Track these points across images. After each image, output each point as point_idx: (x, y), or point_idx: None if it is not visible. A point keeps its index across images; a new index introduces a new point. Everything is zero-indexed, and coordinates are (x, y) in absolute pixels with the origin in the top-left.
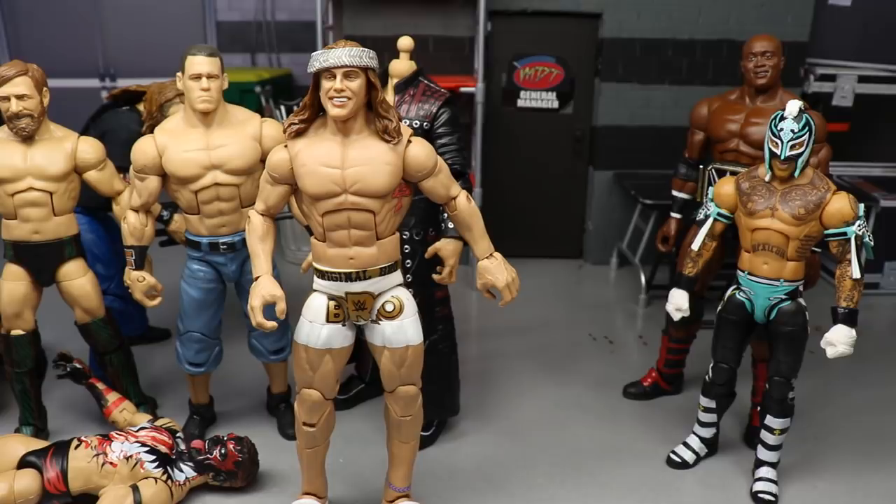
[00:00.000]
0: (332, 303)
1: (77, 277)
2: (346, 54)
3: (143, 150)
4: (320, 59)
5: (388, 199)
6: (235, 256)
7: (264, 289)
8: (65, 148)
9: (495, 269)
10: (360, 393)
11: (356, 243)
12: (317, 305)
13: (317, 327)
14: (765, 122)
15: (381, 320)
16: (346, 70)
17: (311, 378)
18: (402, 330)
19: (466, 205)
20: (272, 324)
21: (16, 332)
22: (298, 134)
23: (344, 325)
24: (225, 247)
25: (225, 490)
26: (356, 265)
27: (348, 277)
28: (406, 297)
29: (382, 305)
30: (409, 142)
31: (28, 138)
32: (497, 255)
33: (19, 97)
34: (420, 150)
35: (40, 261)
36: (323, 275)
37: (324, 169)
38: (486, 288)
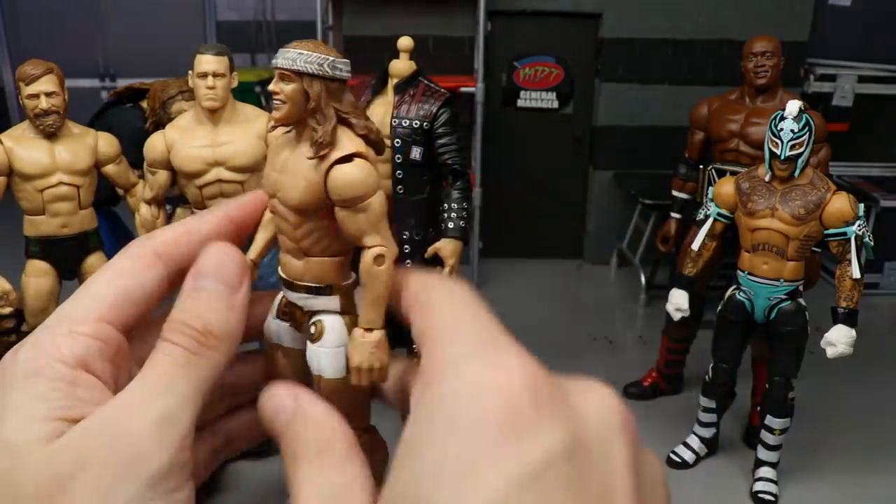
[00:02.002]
0: (283, 300)
1: None
2: (282, 55)
3: (154, 144)
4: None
5: (310, 217)
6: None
7: None
8: (87, 143)
9: (357, 346)
10: None
11: (287, 251)
12: (276, 299)
13: (269, 319)
14: (765, 122)
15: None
16: (280, 72)
17: (276, 371)
18: (315, 357)
19: (368, 264)
20: None
21: None
22: (288, 131)
23: (291, 327)
24: None
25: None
26: (286, 273)
27: (283, 282)
28: (333, 326)
29: (308, 326)
30: (343, 161)
31: (51, 135)
32: (376, 333)
33: (48, 94)
34: (345, 174)
35: (68, 254)
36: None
37: (269, 169)
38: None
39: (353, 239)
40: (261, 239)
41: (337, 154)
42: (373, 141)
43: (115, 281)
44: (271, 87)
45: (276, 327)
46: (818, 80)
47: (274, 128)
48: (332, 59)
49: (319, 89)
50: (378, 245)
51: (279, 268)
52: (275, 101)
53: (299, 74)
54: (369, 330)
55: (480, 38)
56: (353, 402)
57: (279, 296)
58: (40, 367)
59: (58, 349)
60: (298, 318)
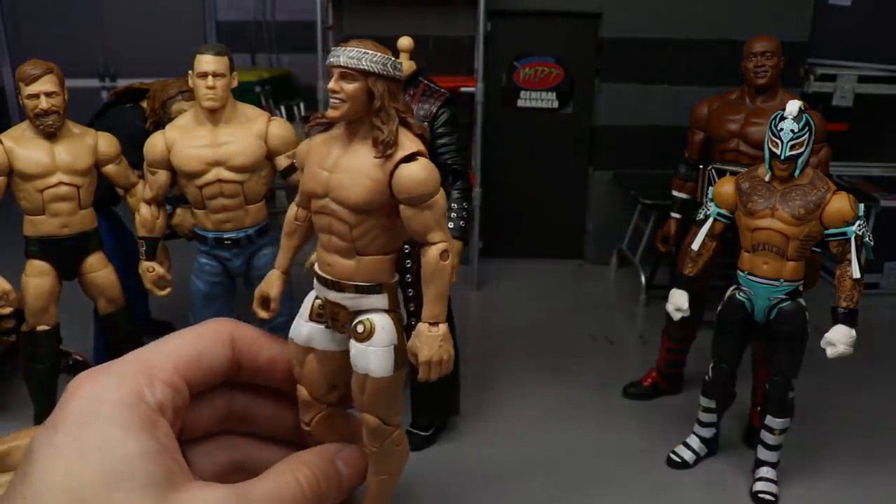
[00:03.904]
0: (318, 302)
1: (101, 269)
2: (345, 54)
3: (154, 144)
4: (331, 55)
5: (370, 216)
6: (241, 252)
7: (263, 283)
8: (87, 143)
9: (425, 340)
10: None
11: (335, 251)
12: (306, 301)
13: (300, 322)
14: (765, 122)
15: (352, 338)
16: (342, 70)
17: (300, 374)
18: (363, 356)
19: (434, 259)
20: (263, 313)
21: (42, 327)
22: (324, 128)
23: (328, 328)
24: (229, 242)
25: None
26: (332, 273)
27: (326, 283)
28: (383, 324)
29: (355, 325)
30: (408, 160)
31: (51, 135)
32: (441, 327)
33: (48, 94)
34: (412, 173)
35: (68, 254)
36: (314, 273)
37: (316, 169)
38: (413, 353)
39: (416, 234)
40: (289, 248)
41: (401, 153)
42: (426, 141)
43: (193, 343)
44: (331, 85)
45: (308, 330)
46: (818, 80)
47: (312, 126)
48: (393, 59)
49: (384, 89)
50: (442, 241)
51: (317, 268)
52: (333, 100)
53: (364, 73)
54: (434, 324)
55: (480, 38)
56: (394, 400)
57: (311, 298)
58: (127, 402)
59: (141, 388)
60: (342, 319)
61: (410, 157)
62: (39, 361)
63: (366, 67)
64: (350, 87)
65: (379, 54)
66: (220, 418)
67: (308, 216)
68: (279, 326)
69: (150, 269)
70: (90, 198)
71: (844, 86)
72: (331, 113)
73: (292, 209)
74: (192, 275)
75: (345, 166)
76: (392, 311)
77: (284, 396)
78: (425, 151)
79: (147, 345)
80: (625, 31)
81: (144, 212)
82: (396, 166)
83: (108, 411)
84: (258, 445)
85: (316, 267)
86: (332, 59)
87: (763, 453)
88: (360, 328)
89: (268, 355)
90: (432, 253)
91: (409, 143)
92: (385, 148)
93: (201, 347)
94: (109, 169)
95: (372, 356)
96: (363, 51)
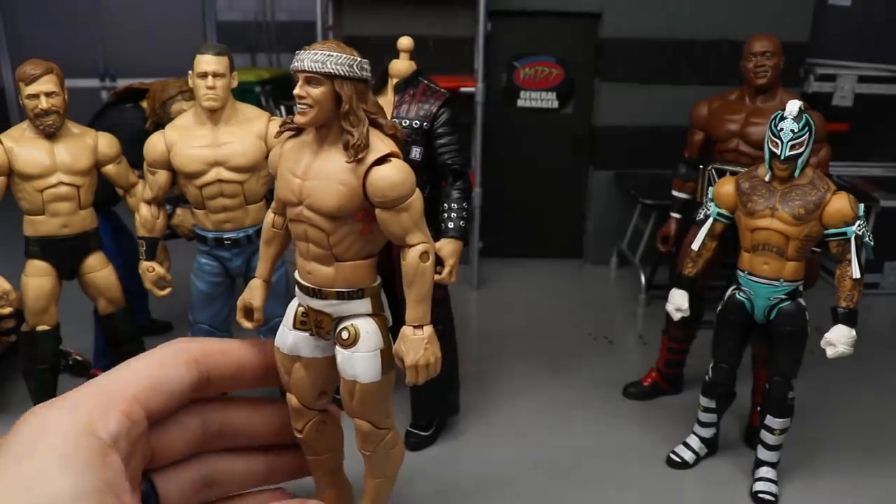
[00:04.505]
0: (301, 309)
1: (101, 269)
2: (308, 58)
3: (154, 144)
4: (295, 59)
5: (345, 222)
6: (241, 252)
7: (246, 292)
8: (87, 143)
9: (410, 343)
10: None
11: (314, 259)
12: (289, 309)
13: (285, 331)
14: (765, 122)
15: (337, 345)
16: (307, 75)
17: (287, 382)
18: (350, 362)
19: (415, 261)
20: (247, 324)
21: (42, 327)
22: (295, 133)
23: (313, 336)
24: (229, 242)
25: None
26: (312, 281)
27: (307, 291)
28: (367, 329)
29: (339, 331)
30: (380, 162)
31: (51, 135)
32: (426, 329)
33: (48, 94)
34: (385, 175)
35: (68, 254)
36: (296, 281)
37: (289, 175)
38: (399, 357)
39: (395, 237)
40: (268, 257)
41: (373, 156)
42: (400, 140)
43: (153, 369)
44: (296, 91)
45: (293, 339)
46: (818, 80)
47: (280, 132)
48: (359, 59)
49: (351, 91)
50: (422, 242)
51: (297, 276)
52: (300, 106)
53: (330, 77)
54: (419, 327)
55: (480, 38)
56: (384, 404)
57: (294, 306)
58: (74, 436)
59: (94, 420)
60: (326, 326)
61: (383, 160)
62: (39, 361)
63: (331, 70)
64: (316, 91)
65: (344, 55)
66: (196, 441)
67: (285, 223)
68: (277, 327)
69: (150, 269)
70: (90, 198)
71: (844, 86)
72: (298, 119)
73: (269, 216)
74: (192, 275)
75: (316, 173)
76: (376, 315)
77: (256, 403)
78: (398, 152)
79: (107, 371)
80: (625, 31)
81: (144, 212)
82: (369, 169)
83: (49, 446)
84: (229, 457)
85: (297, 275)
86: (296, 64)
87: (763, 453)
88: (344, 334)
89: (235, 362)
90: (412, 255)
91: (381, 144)
92: (356, 152)
93: (162, 373)
94: (109, 169)
95: (358, 362)
96: (327, 53)
